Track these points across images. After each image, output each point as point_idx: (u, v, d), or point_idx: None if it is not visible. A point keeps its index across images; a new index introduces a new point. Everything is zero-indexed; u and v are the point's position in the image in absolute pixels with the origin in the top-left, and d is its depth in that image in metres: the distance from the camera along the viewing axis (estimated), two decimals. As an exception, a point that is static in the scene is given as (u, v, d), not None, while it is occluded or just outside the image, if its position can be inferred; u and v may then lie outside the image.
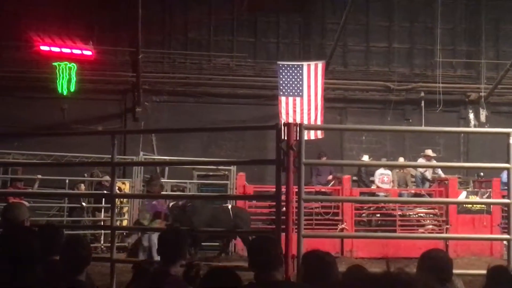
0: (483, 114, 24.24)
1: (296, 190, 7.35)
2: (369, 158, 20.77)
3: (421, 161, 20.34)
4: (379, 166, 20.16)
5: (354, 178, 19.75)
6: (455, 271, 6.45)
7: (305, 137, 7.64)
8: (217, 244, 18.40)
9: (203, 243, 17.88)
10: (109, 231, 10.84)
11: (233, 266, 5.93)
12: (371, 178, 20.36)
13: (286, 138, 7.24)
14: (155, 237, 11.98)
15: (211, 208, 16.55)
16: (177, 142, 21.69)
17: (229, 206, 16.70)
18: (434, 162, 20.21)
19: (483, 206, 18.93)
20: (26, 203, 17.16)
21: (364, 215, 19.35)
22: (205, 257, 16.47)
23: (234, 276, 4.64)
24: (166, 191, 20.00)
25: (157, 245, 5.81)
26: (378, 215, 19.48)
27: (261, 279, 4.80)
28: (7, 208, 6.66)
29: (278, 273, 4.91)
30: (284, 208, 7.34)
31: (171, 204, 15.28)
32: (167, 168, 20.27)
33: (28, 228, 5.71)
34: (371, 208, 19.41)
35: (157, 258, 9.72)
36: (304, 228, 7.56)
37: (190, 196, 18.68)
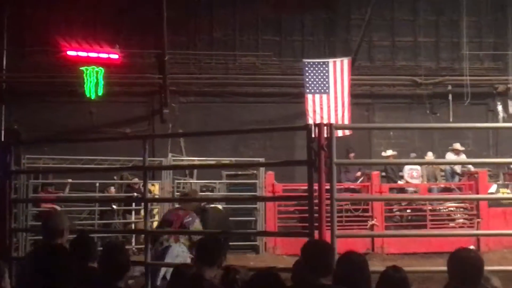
0: (511, 105, 24.04)
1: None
2: (392, 151, 20.65)
3: (449, 155, 20.23)
4: (408, 164, 20.10)
5: (383, 174, 19.68)
6: (489, 267, 6.43)
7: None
8: (245, 243, 18.43)
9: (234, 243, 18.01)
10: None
11: (273, 268, 5.92)
12: (400, 173, 20.29)
13: (317, 138, 7.23)
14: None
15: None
16: (205, 143, 21.73)
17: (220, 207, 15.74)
18: (463, 156, 20.12)
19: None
20: (58, 208, 17.44)
21: (394, 210, 19.28)
22: (235, 257, 16.53)
23: (278, 280, 4.66)
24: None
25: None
26: (409, 210, 19.39)
27: (307, 281, 4.80)
28: (48, 217, 6.76)
29: (326, 281, 4.90)
30: (317, 208, 7.34)
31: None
32: (196, 169, 20.37)
33: (63, 247, 5.76)
34: (401, 204, 19.33)
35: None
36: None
37: (222, 199, 18.75)
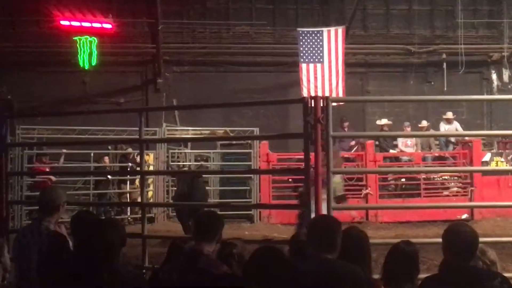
0: (506, 74, 24.05)
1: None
2: (387, 120, 20.67)
3: (442, 124, 20.30)
4: (402, 137, 20.19)
5: (377, 143, 19.71)
6: (484, 239, 6.48)
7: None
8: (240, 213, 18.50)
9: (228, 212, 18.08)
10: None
11: (269, 239, 5.94)
12: (394, 142, 20.36)
13: (313, 112, 7.23)
14: None
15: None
16: (199, 112, 21.69)
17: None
18: (455, 124, 20.18)
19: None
20: (53, 178, 17.49)
21: (388, 179, 19.33)
22: (230, 227, 16.59)
23: (281, 254, 4.68)
24: (189, 161, 20.21)
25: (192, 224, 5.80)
26: (403, 179, 19.45)
27: (311, 255, 4.83)
28: (44, 192, 6.78)
29: (329, 255, 4.93)
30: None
31: None
32: (190, 139, 20.42)
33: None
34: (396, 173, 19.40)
35: None
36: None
37: (218, 172, 18.79)
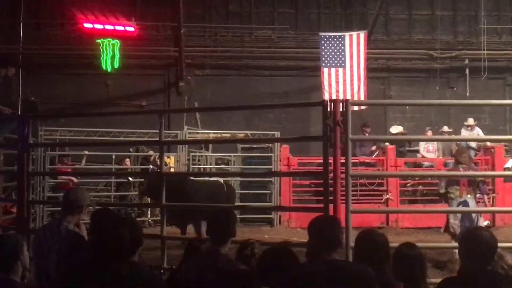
0: (529, 80, 23.93)
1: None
2: (401, 129, 20.62)
3: (463, 130, 20.20)
4: (421, 140, 20.07)
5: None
6: (503, 244, 6.44)
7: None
8: (260, 216, 18.57)
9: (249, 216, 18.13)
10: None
11: (287, 242, 5.96)
12: (416, 147, 20.28)
13: (332, 114, 7.24)
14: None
15: (207, 184, 15.72)
16: (221, 115, 21.78)
17: (222, 180, 16.02)
18: (477, 130, 20.07)
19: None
20: (75, 179, 17.62)
21: (409, 185, 19.25)
22: (250, 230, 16.63)
23: (292, 255, 4.69)
24: (210, 164, 20.26)
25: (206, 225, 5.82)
26: (420, 186, 19.32)
27: (320, 257, 4.82)
28: (70, 191, 6.87)
29: (337, 255, 4.92)
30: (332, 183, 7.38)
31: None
32: (211, 142, 20.48)
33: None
34: (416, 178, 19.30)
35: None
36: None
37: (238, 173, 18.81)
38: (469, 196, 12.12)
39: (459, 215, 12.02)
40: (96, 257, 4.87)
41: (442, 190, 12.46)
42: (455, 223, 12.03)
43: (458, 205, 11.91)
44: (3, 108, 18.45)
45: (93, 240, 5.53)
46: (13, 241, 5.19)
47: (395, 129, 20.65)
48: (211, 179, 16.29)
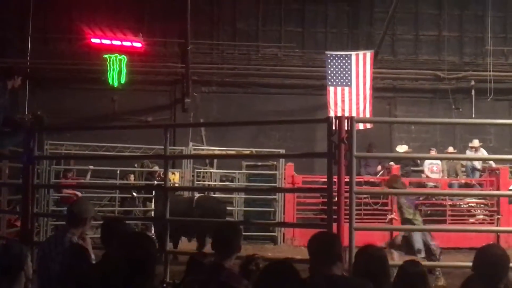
0: (535, 102, 23.90)
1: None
2: (407, 148, 20.61)
3: (468, 152, 20.19)
4: (427, 159, 20.02)
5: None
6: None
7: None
8: (264, 234, 18.59)
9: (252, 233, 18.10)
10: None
11: (290, 259, 5.93)
12: (414, 168, 20.28)
13: (337, 131, 7.26)
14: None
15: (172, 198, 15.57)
16: (226, 132, 21.80)
17: (195, 196, 16.10)
18: (482, 151, 20.05)
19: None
20: (79, 194, 17.63)
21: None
22: (253, 248, 16.58)
23: (292, 270, 4.68)
24: (215, 181, 20.25)
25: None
26: (425, 205, 19.30)
27: (320, 273, 4.81)
28: (74, 204, 6.89)
29: (337, 269, 4.92)
30: (336, 200, 7.37)
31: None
32: (216, 159, 20.46)
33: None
34: (421, 198, 19.24)
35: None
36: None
37: (242, 189, 18.82)
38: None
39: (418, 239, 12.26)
40: (118, 274, 4.79)
41: (410, 216, 12.45)
42: (434, 244, 12.23)
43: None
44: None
45: (115, 255, 5.21)
46: (18, 251, 5.17)
47: (401, 148, 20.64)
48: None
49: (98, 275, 5.20)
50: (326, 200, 7.63)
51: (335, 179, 7.36)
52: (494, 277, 4.83)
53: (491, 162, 19.96)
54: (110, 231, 6.09)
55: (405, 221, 12.29)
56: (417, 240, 12.17)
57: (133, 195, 18.90)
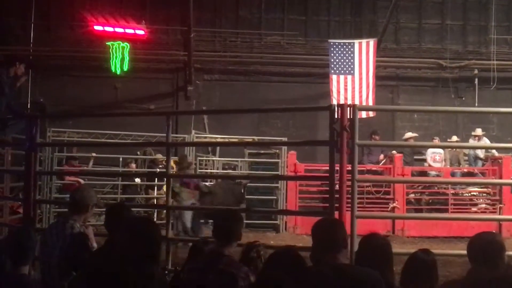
0: (538, 91, 23.83)
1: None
2: (412, 133, 20.54)
3: (471, 141, 20.15)
4: (430, 147, 19.99)
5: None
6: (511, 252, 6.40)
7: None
8: (266, 222, 18.61)
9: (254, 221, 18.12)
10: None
11: (292, 247, 5.92)
12: (416, 157, 20.26)
13: (339, 119, 7.24)
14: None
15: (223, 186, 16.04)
16: (228, 120, 21.79)
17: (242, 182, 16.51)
18: (485, 140, 20.01)
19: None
20: (81, 181, 17.66)
21: (411, 194, 19.19)
22: (255, 236, 16.59)
23: (298, 257, 4.67)
24: (217, 169, 20.25)
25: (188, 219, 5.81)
26: (426, 193, 19.30)
27: (325, 261, 4.79)
28: (77, 191, 6.89)
29: (342, 256, 4.90)
30: (337, 188, 7.36)
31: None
32: (218, 147, 20.43)
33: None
34: (423, 187, 19.27)
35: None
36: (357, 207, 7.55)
37: (244, 177, 18.81)
38: (193, 200, 14.32)
39: (189, 218, 14.30)
40: (126, 258, 4.78)
41: (176, 189, 13.90)
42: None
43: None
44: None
45: (124, 240, 5.13)
46: (29, 235, 5.25)
47: (407, 134, 20.52)
48: None
49: (101, 261, 5.21)
50: (328, 188, 7.61)
51: (337, 167, 7.34)
52: (487, 263, 4.81)
53: (494, 151, 19.96)
54: (115, 217, 6.09)
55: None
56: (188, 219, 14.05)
57: (135, 182, 18.92)
